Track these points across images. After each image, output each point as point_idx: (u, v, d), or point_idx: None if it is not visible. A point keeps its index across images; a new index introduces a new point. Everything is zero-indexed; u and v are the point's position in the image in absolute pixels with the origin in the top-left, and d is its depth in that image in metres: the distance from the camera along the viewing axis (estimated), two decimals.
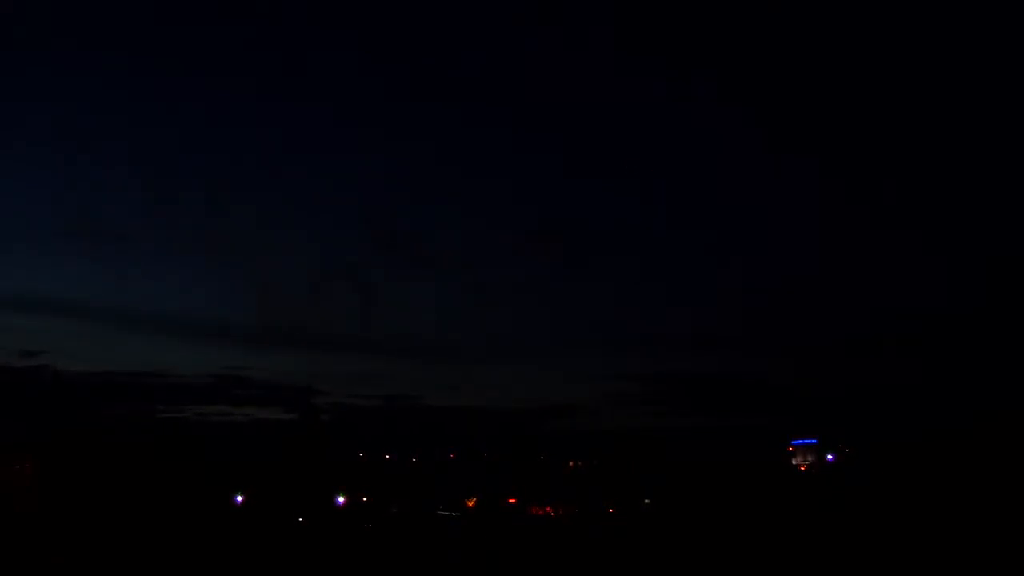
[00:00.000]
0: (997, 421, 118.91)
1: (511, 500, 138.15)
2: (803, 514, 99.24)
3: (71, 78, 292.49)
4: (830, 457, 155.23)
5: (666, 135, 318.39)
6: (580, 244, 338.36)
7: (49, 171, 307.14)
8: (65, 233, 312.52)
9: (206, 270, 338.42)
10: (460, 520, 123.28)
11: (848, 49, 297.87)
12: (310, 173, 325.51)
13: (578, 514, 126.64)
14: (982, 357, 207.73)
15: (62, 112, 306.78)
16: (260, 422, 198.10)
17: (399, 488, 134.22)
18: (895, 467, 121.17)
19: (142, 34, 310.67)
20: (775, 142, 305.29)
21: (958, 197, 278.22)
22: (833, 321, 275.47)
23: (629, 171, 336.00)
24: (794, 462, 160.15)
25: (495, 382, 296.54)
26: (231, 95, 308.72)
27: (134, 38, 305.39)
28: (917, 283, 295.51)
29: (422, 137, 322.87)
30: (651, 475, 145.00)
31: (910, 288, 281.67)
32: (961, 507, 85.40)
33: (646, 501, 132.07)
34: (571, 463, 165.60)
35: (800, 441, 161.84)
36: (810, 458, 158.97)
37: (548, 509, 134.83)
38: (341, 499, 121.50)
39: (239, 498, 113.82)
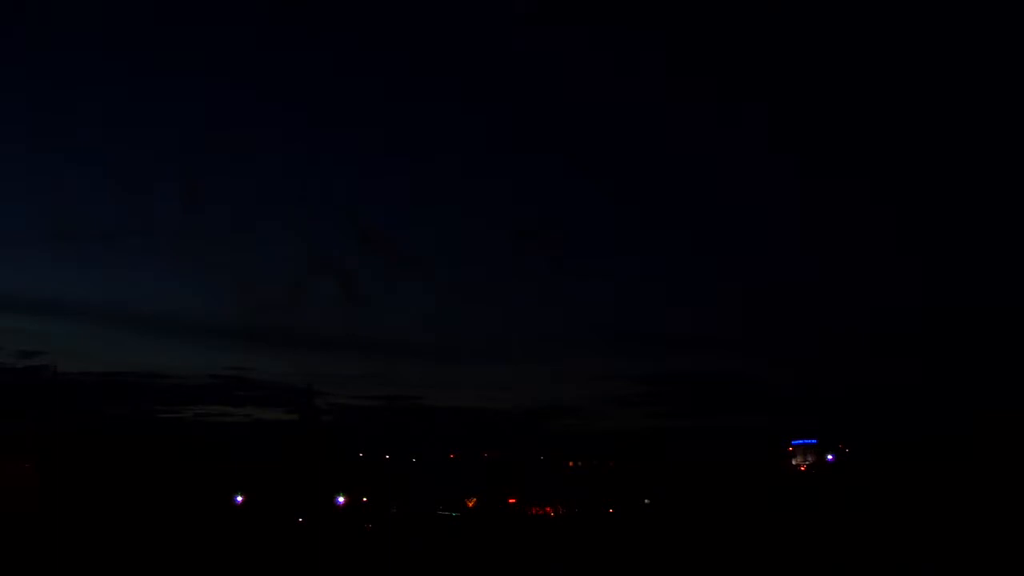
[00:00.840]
0: (997, 421, 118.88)
1: (511, 500, 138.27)
2: (803, 514, 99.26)
3: (49, 80, 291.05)
4: (830, 457, 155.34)
5: (666, 134, 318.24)
6: (580, 244, 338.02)
7: (44, 173, 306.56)
8: (65, 233, 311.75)
9: (206, 270, 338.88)
10: (460, 520, 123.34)
11: (849, 48, 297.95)
12: (299, 172, 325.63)
13: (578, 514, 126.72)
14: (982, 357, 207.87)
15: (48, 114, 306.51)
16: (260, 422, 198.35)
17: (399, 488, 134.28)
18: (895, 467, 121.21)
19: (132, 34, 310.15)
20: (775, 142, 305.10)
21: (958, 197, 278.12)
22: (833, 321, 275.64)
23: (629, 170, 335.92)
24: (794, 462, 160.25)
25: (495, 382, 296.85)
26: (231, 94, 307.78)
27: (122, 38, 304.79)
28: (917, 283, 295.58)
29: (421, 137, 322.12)
30: (651, 475, 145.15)
31: (910, 288, 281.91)
32: (961, 507, 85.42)
33: (646, 501, 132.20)
34: (571, 463, 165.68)
35: (800, 441, 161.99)
36: (810, 458, 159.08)
37: (548, 509, 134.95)
38: (341, 499, 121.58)
39: (239, 498, 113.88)
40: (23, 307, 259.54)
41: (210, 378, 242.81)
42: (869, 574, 63.98)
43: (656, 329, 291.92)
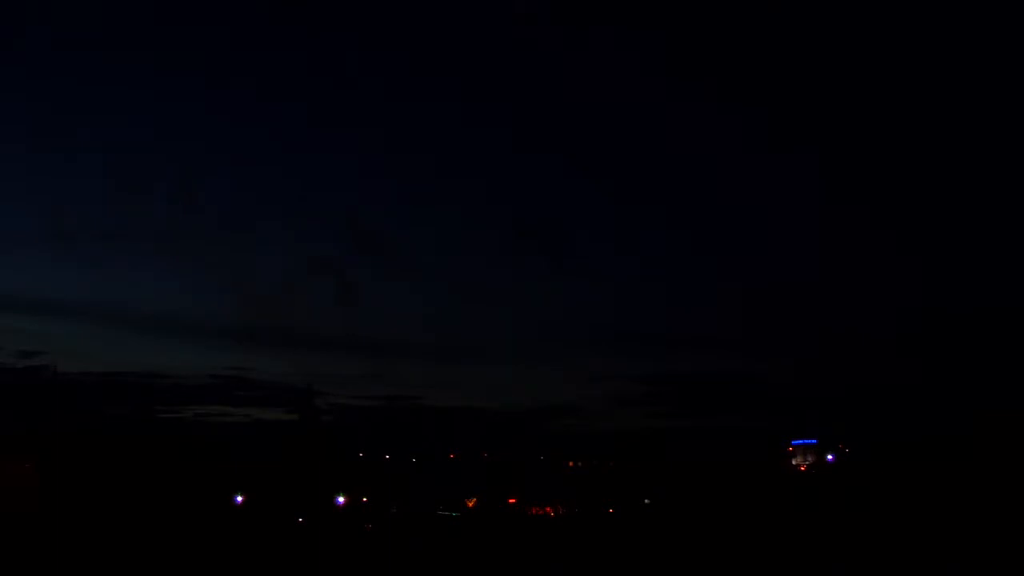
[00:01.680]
0: (997, 421, 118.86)
1: (511, 500, 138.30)
2: (803, 514, 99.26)
3: (49, 80, 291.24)
4: (830, 457, 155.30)
5: (666, 134, 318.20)
6: (580, 244, 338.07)
7: (44, 173, 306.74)
8: (65, 233, 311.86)
9: (206, 270, 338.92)
10: (460, 520, 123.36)
11: (849, 48, 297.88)
12: (299, 172, 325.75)
13: (578, 514, 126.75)
14: (982, 357, 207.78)
15: (48, 114, 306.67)
16: (260, 422, 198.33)
17: (399, 488, 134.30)
18: (895, 467, 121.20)
19: (132, 34, 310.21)
20: (775, 141, 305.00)
21: (958, 197, 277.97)
22: (833, 321, 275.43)
23: (629, 170, 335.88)
24: (794, 462, 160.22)
25: (495, 382, 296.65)
26: (231, 94, 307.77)
27: (122, 38, 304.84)
28: (917, 283, 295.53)
29: (421, 137, 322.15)
30: (651, 475, 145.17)
31: (910, 288, 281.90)
32: (961, 508, 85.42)
33: (646, 501, 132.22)
34: (571, 463, 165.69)
35: (800, 441, 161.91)
36: (810, 458, 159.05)
37: (548, 509, 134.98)
38: (341, 499, 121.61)
39: (239, 498, 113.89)
40: (23, 307, 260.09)
41: (210, 378, 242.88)
42: (869, 574, 63.95)
43: (656, 329, 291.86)
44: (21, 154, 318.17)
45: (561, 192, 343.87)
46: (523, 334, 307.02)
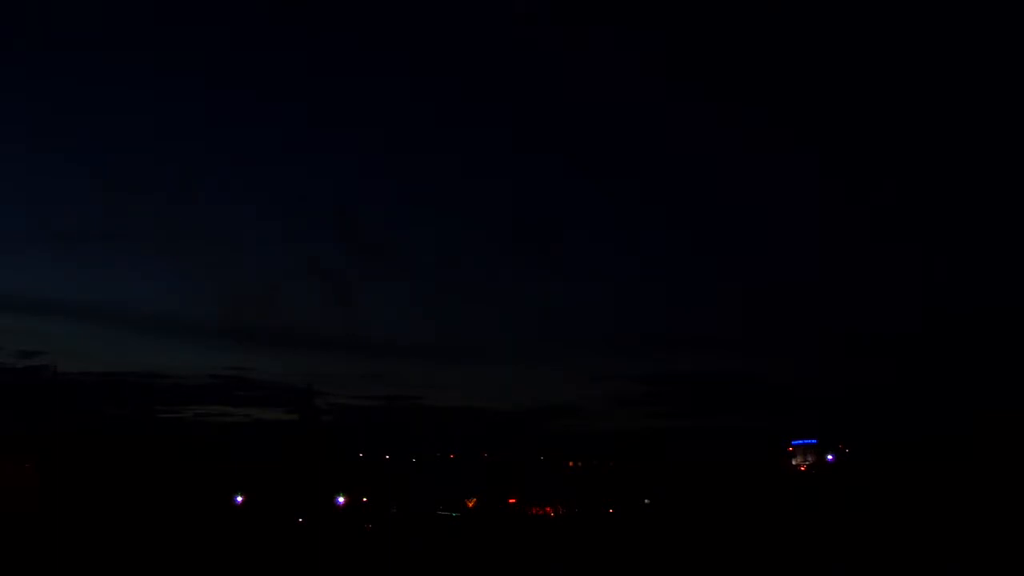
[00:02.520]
0: (997, 421, 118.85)
1: (511, 500, 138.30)
2: (803, 514, 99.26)
3: (49, 80, 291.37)
4: (830, 457, 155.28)
5: (666, 134, 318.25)
6: (580, 244, 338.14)
7: (44, 173, 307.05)
8: (65, 233, 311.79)
9: (206, 271, 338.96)
10: (460, 520, 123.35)
11: (849, 49, 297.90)
12: (299, 172, 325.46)
13: (578, 514, 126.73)
14: (982, 357, 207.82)
15: (48, 114, 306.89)
16: (260, 422, 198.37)
17: (399, 488, 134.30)
18: (895, 467, 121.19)
19: (132, 34, 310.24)
20: (775, 141, 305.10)
21: (958, 197, 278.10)
22: (833, 321, 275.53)
23: (629, 170, 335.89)
24: (794, 462, 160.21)
25: (495, 382, 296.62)
26: (231, 94, 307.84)
27: (122, 38, 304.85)
28: (917, 283, 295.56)
29: (421, 137, 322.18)
30: (651, 475, 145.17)
31: (910, 288, 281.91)
32: (961, 508, 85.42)
33: (646, 501, 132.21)
34: (571, 463, 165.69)
35: (800, 441, 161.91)
36: (810, 458, 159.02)
37: (548, 509, 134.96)
38: (341, 499, 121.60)
39: (239, 498, 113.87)
40: (23, 307, 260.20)
41: (210, 378, 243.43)
42: (869, 574, 63.96)
43: (656, 329, 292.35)
44: (21, 154, 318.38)
45: (561, 192, 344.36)
46: (523, 334, 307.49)
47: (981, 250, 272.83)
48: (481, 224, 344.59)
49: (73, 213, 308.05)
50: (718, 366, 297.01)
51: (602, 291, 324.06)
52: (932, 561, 63.01)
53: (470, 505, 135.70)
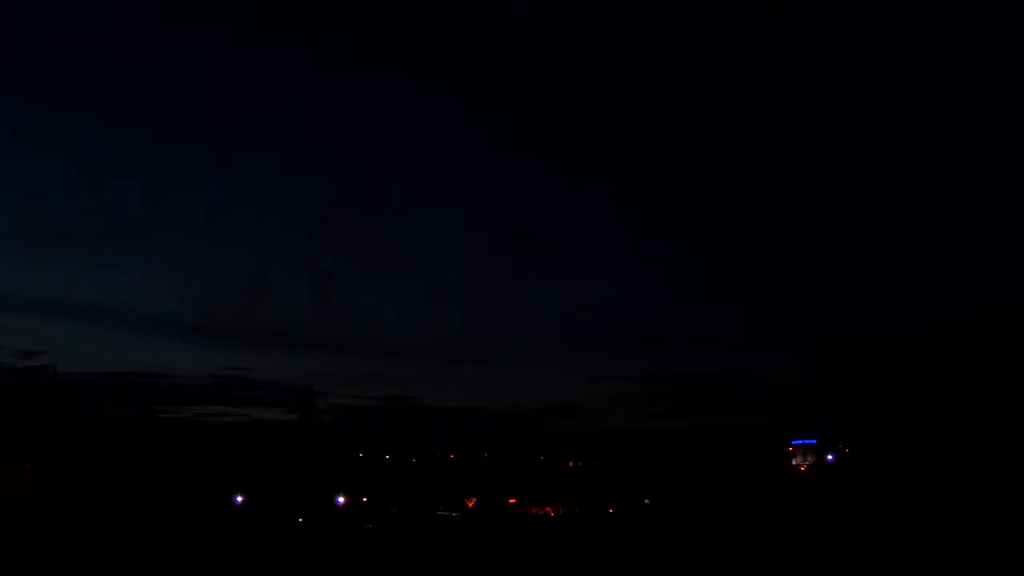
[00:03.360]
0: (997, 421, 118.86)
1: (511, 500, 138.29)
2: (803, 514, 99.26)
3: (50, 80, 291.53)
4: (830, 457, 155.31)
5: (666, 134, 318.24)
6: (580, 244, 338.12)
7: (44, 173, 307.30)
8: (65, 233, 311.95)
9: (206, 271, 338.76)
10: (460, 520, 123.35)
11: (849, 49, 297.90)
12: (300, 172, 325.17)
13: (578, 514, 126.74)
14: (982, 357, 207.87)
15: (48, 114, 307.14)
16: (260, 422, 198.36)
17: (399, 488, 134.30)
18: (895, 467, 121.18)
19: (132, 34, 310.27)
20: (775, 141, 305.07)
21: (958, 197, 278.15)
22: (833, 321, 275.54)
23: (629, 171, 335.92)
24: (794, 462, 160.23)
25: (495, 382, 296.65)
26: (231, 94, 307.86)
27: (122, 38, 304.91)
28: (917, 283, 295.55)
29: (421, 137, 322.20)
30: (651, 475, 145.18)
31: (910, 288, 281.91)
32: (961, 508, 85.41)
33: (646, 501, 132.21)
34: (571, 463, 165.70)
35: (800, 441, 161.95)
36: (810, 458, 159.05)
37: (548, 509, 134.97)
38: (341, 499, 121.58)
39: (239, 498, 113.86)
40: (23, 307, 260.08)
41: (210, 378, 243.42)
42: (869, 574, 63.97)
43: (656, 329, 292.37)
44: (21, 154, 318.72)
45: (561, 192, 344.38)
46: (523, 334, 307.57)
47: (981, 250, 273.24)
48: (481, 224, 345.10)
49: (73, 213, 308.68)
50: (718, 366, 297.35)
51: (602, 291, 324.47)
52: (932, 561, 63.00)
53: (470, 505, 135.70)
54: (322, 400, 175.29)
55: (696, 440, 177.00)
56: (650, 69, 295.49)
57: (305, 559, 76.05)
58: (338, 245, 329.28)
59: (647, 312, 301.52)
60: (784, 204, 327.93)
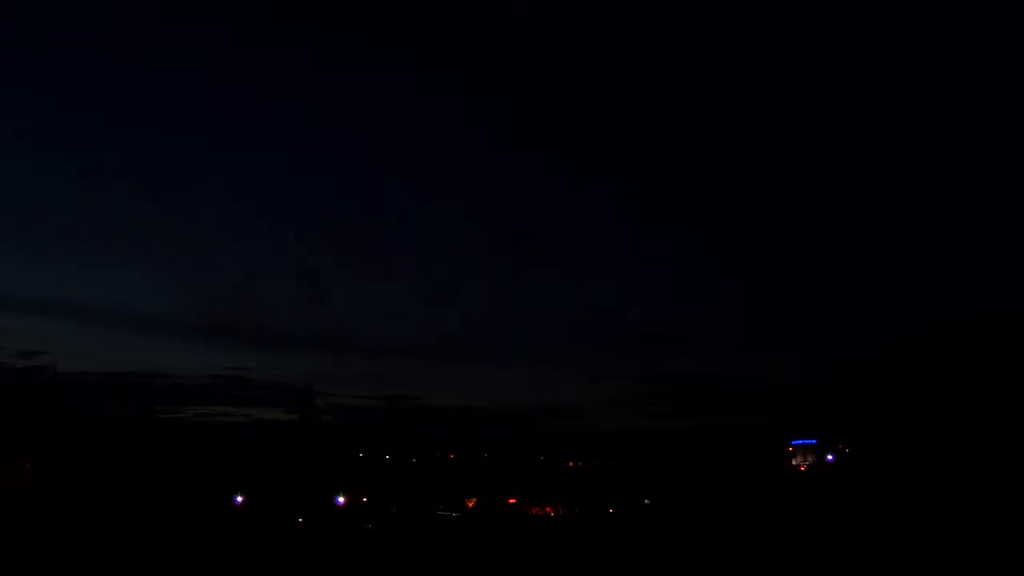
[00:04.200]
0: (997, 421, 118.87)
1: (511, 500, 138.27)
2: (803, 514, 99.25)
3: (50, 80, 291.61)
4: (830, 457, 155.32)
5: (666, 134, 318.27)
6: (579, 244, 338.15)
7: (45, 173, 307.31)
8: (65, 234, 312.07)
9: (206, 271, 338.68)
10: (460, 520, 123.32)
11: (849, 48, 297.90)
12: (300, 172, 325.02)
13: (578, 514, 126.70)
14: (982, 357, 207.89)
15: (48, 114, 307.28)
16: (260, 422, 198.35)
17: (399, 488, 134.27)
18: (895, 467, 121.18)
19: (132, 34, 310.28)
20: (775, 141, 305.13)
21: (958, 197, 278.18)
22: (833, 321, 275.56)
23: (629, 170, 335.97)
24: (794, 462, 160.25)
25: (495, 382, 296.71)
26: (231, 94, 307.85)
27: (123, 38, 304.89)
28: (917, 283, 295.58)
29: (421, 137, 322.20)
30: (651, 475, 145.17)
31: (910, 288, 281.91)
32: (961, 508, 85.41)
33: (646, 501, 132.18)
34: (571, 463, 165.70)
35: (800, 441, 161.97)
36: (810, 458, 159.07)
37: (548, 509, 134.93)
38: (341, 499, 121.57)
39: (239, 498, 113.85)
40: (23, 307, 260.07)
41: (210, 378, 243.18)
42: (869, 574, 63.97)
43: (656, 329, 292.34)
44: (21, 154, 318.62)
45: (561, 192, 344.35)
46: (523, 334, 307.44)
47: (981, 250, 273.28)
48: (481, 224, 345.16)
49: (73, 213, 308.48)
50: (718, 366, 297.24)
51: (602, 291, 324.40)
52: (932, 561, 62.99)
53: (470, 505, 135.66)
54: (322, 400, 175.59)
55: (696, 440, 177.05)
56: (650, 69, 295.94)
57: (305, 559, 76.05)
58: (338, 245, 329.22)
59: (647, 312, 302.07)
60: (784, 204, 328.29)
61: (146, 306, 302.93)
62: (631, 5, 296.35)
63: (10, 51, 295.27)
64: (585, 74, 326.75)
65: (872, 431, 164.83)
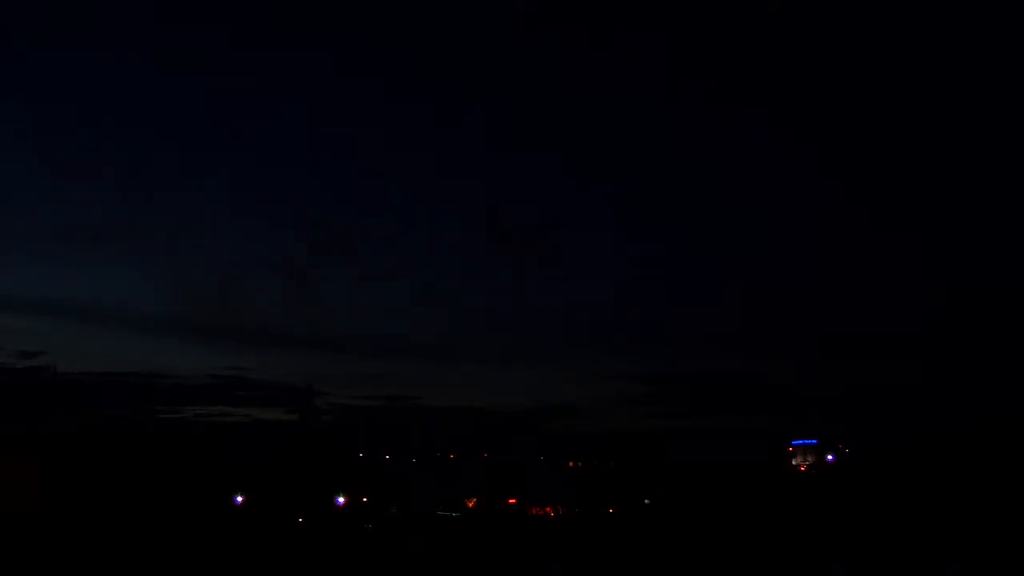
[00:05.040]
0: (997, 422, 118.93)
1: (511, 500, 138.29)
2: (803, 514, 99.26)
3: (50, 80, 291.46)
4: (830, 457, 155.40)
5: (666, 134, 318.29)
6: (579, 244, 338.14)
7: (45, 173, 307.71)
8: (66, 234, 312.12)
9: (206, 271, 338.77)
10: (460, 520, 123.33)
11: (848, 48, 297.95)
12: (299, 172, 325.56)
13: (578, 514, 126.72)
14: (982, 357, 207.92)
15: (49, 114, 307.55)
16: (261, 423, 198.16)
17: (399, 488, 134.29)
18: (895, 467, 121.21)
19: (132, 34, 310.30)
20: (775, 141, 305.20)
21: (958, 197, 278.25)
22: (833, 321, 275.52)
23: (629, 170, 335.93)
24: (794, 462, 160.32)
25: (495, 382, 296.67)
26: (231, 94, 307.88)
27: (122, 38, 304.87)
28: (916, 283, 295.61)
29: (421, 137, 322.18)
30: (651, 475, 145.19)
31: (909, 288, 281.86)
32: (961, 508, 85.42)
33: (646, 501, 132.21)
34: (571, 463, 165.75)
35: (800, 441, 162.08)
36: (810, 458, 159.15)
37: (548, 509, 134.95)
38: (341, 499, 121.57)
39: (239, 498, 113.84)
40: (23, 307, 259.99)
41: (210, 378, 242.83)
42: (869, 574, 63.97)
43: (656, 329, 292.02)
44: (23, 155, 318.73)
45: (561, 192, 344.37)
46: (523, 334, 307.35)
47: (981, 250, 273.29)
48: (480, 224, 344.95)
49: (73, 213, 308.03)
50: (718, 366, 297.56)
51: (602, 291, 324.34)
52: (932, 561, 63.00)
53: (470, 505, 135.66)
54: (322, 400, 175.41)
55: (696, 440, 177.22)
56: (650, 69, 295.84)
57: (305, 559, 76.06)
58: (339, 245, 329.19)
59: (647, 312, 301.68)
60: (784, 204, 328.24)
61: (146, 306, 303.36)
62: (631, 5, 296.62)
63: (10, 51, 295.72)
64: (585, 74, 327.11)
65: (872, 431, 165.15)
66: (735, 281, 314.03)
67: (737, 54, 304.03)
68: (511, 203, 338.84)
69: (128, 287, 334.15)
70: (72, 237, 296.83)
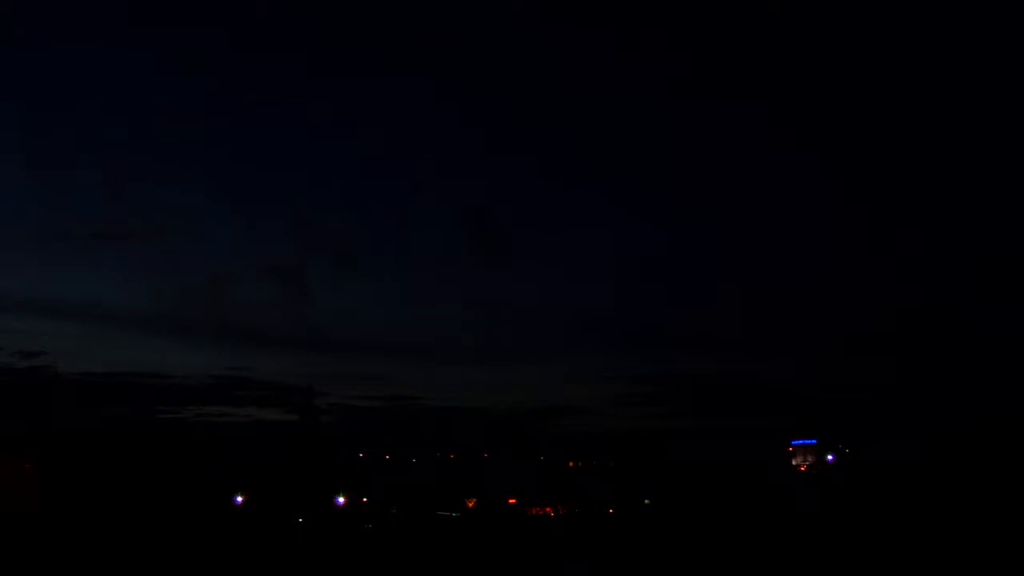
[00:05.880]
0: (997, 422, 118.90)
1: (511, 500, 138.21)
2: (803, 515, 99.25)
3: (50, 80, 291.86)
4: (830, 457, 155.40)
5: (666, 134, 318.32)
6: (579, 244, 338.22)
7: (45, 173, 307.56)
8: (65, 233, 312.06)
9: (206, 271, 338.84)
10: (460, 520, 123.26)
11: (849, 48, 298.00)
12: (299, 172, 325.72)
13: (578, 514, 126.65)
14: (982, 357, 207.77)
15: (48, 114, 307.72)
16: (261, 423, 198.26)
17: (399, 488, 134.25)
18: (895, 467, 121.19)
19: (133, 34, 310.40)
20: (775, 141, 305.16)
21: (958, 197, 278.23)
22: (833, 321, 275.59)
23: (628, 170, 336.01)
24: (794, 462, 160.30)
25: (495, 382, 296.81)
26: (231, 94, 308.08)
27: (122, 38, 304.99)
28: (917, 283, 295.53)
29: (421, 137, 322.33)
30: (651, 475, 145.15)
31: (910, 288, 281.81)
32: (961, 508, 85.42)
33: (646, 501, 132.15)
34: (571, 463, 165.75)
35: (800, 441, 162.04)
36: (810, 458, 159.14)
37: (548, 509, 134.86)
38: (341, 499, 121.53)
39: (239, 498, 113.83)
40: (23, 307, 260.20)
41: (210, 378, 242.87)
42: (869, 574, 63.97)
43: (657, 329, 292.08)
44: (22, 153, 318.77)
45: (561, 192, 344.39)
46: (523, 334, 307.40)
47: (982, 250, 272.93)
48: (480, 223, 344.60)
49: (73, 213, 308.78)
50: (718, 366, 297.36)
51: (602, 291, 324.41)
52: (933, 561, 62.98)
53: (470, 505, 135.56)
54: (322, 400, 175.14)
55: (696, 440, 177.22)
56: (650, 69, 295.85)
57: (305, 559, 76.05)
58: (339, 245, 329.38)
59: (647, 312, 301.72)
60: (784, 204, 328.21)
61: (146, 306, 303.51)
62: (631, 5, 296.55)
63: (10, 51, 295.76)
64: (585, 74, 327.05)
65: (872, 431, 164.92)
66: (735, 281, 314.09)
67: (737, 53, 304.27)
68: (511, 203, 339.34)
69: (128, 287, 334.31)
70: (72, 237, 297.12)
